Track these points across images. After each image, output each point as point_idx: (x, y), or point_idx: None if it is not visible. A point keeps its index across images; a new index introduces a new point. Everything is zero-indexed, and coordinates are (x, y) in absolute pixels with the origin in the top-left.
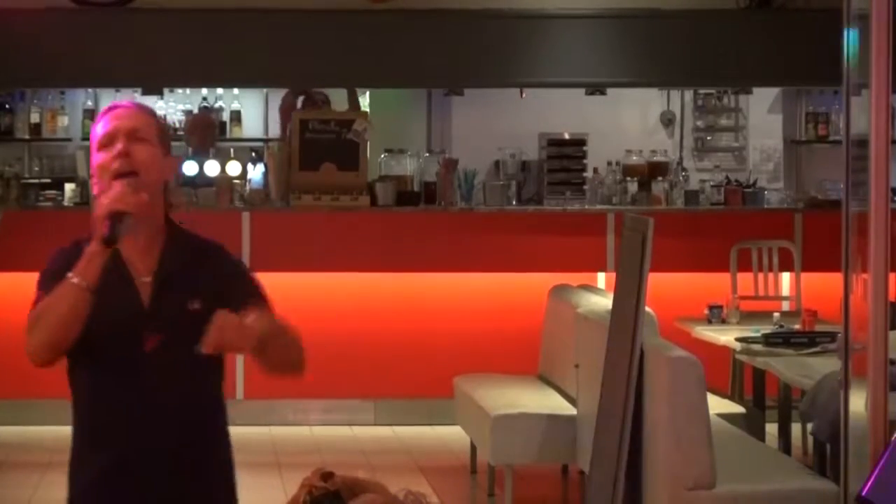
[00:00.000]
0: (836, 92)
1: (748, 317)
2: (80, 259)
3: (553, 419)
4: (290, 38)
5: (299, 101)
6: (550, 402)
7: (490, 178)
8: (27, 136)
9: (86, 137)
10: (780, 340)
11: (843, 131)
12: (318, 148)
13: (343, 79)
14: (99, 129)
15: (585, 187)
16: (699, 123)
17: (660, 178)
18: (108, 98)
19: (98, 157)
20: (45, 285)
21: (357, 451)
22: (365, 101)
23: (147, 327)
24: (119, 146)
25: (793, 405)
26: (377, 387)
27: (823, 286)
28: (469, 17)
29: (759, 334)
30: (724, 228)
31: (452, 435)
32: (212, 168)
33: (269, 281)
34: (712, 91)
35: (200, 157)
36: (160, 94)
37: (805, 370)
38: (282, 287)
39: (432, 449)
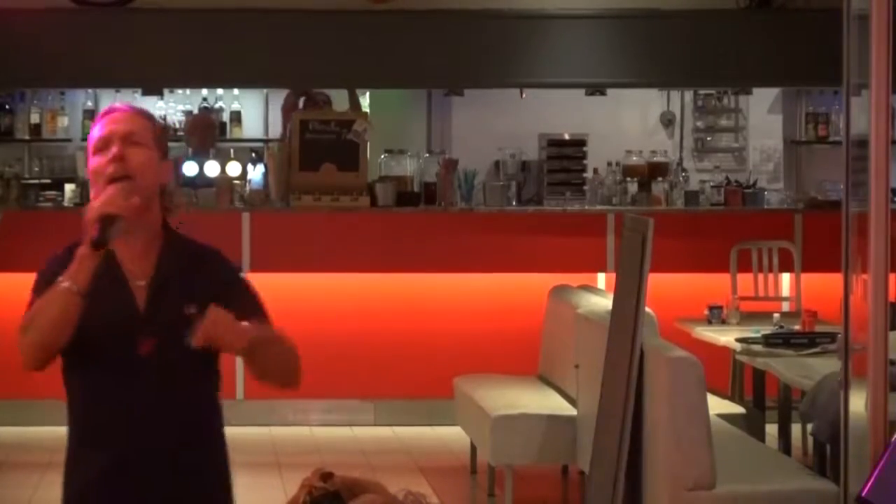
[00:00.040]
0: (836, 92)
1: (748, 317)
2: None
3: (553, 419)
4: (290, 39)
5: (301, 102)
6: (550, 403)
7: (490, 179)
8: (27, 137)
9: (86, 138)
10: (780, 341)
11: (843, 131)
12: (318, 148)
13: (343, 79)
14: (95, 132)
15: (585, 188)
16: (699, 124)
17: (660, 179)
18: (108, 98)
19: (93, 162)
20: (39, 291)
21: (357, 452)
22: (365, 102)
23: (142, 331)
24: (114, 150)
25: (793, 406)
26: (377, 387)
27: (823, 287)
28: (469, 17)
29: (759, 335)
30: (724, 229)
31: (452, 435)
32: (212, 168)
33: (269, 281)
34: (712, 91)
35: (200, 158)
36: (160, 94)
37: (805, 371)
38: (282, 287)
39: (432, 449)
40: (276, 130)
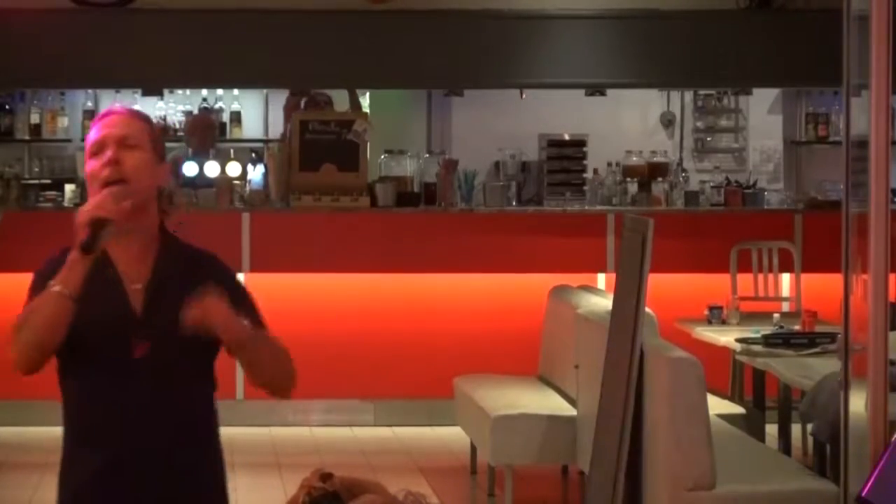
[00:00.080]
0: (836, 92)
1: (748, 317)
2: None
3: (553, 420)
4: (290, 39)
5: (302, 103)
6: (550, 403)
7: (490, 179)
8: (27, 137)
9: (85, 138)
10: (780, 341)
11: (843, 132)
12: (319, 149)
13: (343, 80)
14: (91, 136)
15: (585, 188)
16: (699, 124)
17: (660, 179)
18: (108, 98)
19: (89, 165)
20: (36, 291)
21: (357, 452)
22: (365, 102)
23: (136, 334)
24: (108, 154)
25: (793, 406)
26: (377, 387)
27: (823, 287)
28: (469, 17)
29: (759, 335)
30: (724, 229)
31: (452, 435)
32: (212, 169)
33: (269, 281)
34: (712, 92)
35: (200, 158)
36: (160, 94)
37: (805, 371)
38: (282, 288)
39: (432, 449)
40: (275, 131)
